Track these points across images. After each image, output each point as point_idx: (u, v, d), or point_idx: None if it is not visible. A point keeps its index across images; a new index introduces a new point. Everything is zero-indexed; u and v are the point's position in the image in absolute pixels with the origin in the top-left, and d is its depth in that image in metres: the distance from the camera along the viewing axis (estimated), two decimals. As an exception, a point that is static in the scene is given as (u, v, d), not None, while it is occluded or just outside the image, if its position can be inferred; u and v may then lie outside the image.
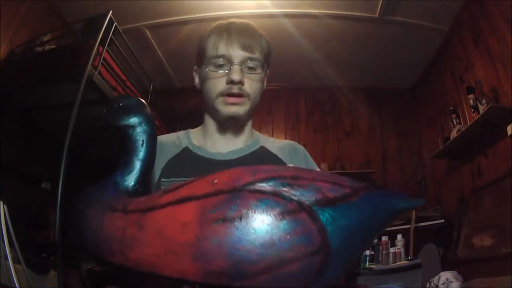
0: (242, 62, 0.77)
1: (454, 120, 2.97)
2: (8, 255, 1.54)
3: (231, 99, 0.76)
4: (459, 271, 2.31)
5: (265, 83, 0.86)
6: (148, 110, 0.56)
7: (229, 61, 0.76)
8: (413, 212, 3.14)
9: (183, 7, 3.07)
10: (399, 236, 3.15)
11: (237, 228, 0.37)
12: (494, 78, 2.47)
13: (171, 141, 0.86)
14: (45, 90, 2.36)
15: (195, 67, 0.86)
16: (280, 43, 2.95)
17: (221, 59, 0.77)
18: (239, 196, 0.39)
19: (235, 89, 0.75)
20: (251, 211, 0.38)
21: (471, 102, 2.64)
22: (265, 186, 0.40)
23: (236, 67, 0.75)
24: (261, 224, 0.37)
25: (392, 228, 3.31)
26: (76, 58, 2.22)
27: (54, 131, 2.71)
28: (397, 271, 2.85)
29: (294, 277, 0.38)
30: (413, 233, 3.01)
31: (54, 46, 2.57)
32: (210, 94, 0.78)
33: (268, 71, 0.86)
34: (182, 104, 4.17)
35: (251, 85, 0.78)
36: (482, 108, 2.45)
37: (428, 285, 2.31)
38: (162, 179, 0.79)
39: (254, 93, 0.79)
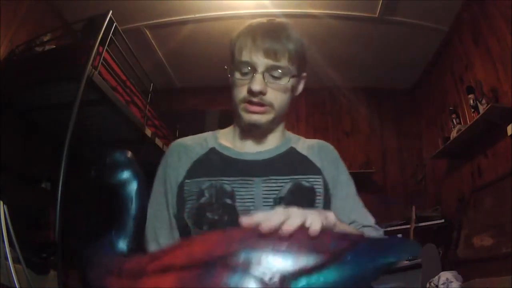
0: (267, 70, 0.74)
1: (454, 120, 2.97)
2: (8, 255, 1.54)
3: (252, 108, 0.75)
4: (459, 271, 2.31)
5: (300, 87, 0.83)
6: (136, 165, 0.59)
7: (253, 68, 0.74)
8: (413, 212, 3.14)
9: (183, 7, 3.07)
10: (399, 236, 3.15)
11: None
12: (494, 78, 2.47)
13: (198, 143, 0.85)
14: (45, 90, 2.36)
15: (227, 68, 0.83)
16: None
17: (245, 66, 0.75)
18: (212, 274, 0.42)
19: (255, 99, 0.74)
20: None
21: (471, 102, 2.64)
22: (237, 259, 0.43)
23: (258, 77, 0.73)
24: None
25: (392, 228, 3.31)
26: (76, 58, 2.22)
27: (54, 131, 2.71)
28: (397, 271, 2.85)
29: None
30: (413, 233, 3.01)
31: (54, 46, 2.57)
32: (235, 99, 0.77)
33: (304, 74, 0.83)
34: (182, 104, 4.18)
35: (275, 94, 0.75)
36: (482, 108, 2.45)
37: (428, 285, 2.32)
38: (186, 180, 0.78)
39: (279, 102, 0.76)
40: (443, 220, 3.00)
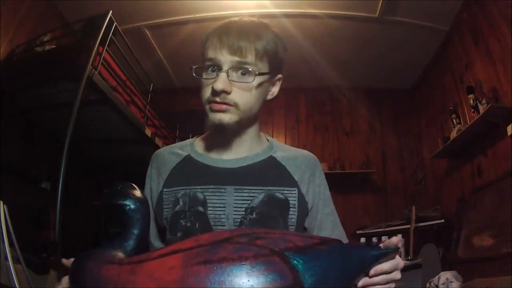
0: (232, 68, 0.71)
1: (454, 120, 2.97)
2: (8, 255, 1.54)
3: (215, 106, 0.72)
4: (459, 271, 2.31)
5: (274, 90, 0.81)
6: (142, 194, 0.66)
7: (218, 66, 0.71)
8: (413, 212, 3.14)
9: (183, 7, 3.07)
10: (399, 236, 3.15)
11: (216, 268, 0.44)
12: (494, 78, 2.47)
13: (174, 152, 0.84)
14: (45, 90, 2.36)
15: (194, 68, 0.80)
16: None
17: (211, 64, 0.73)
18: (219, 246, 0.47)
19: (218, 98, 0.71)
20: (230, 255, 0.45)
21: (471, 102, 2.64)
22: (241, 239, 0.48)
23: (222, 75, 0.70)
24: (238, 264, 0.44)
25: (392, 228, 3.31)
26: (76, 58, 2.22)
27: (54, 131, 2.72)
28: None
29: None
30: (413, 233, 3.01)
31: (54, 46, 2.58)
32: (202, 100, 0.75)
33: (279, 76, 0.80)
34: (182, 104, 4.17)
35: (240, 93, 0.72)
36: (482, 108, 2.45)
37: (428, 285, 2.32)
38: (164, 189, 0.79)
39: (244, 101, 0.72)
40: (443, 220, 3.00)
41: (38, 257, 1.93)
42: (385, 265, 0.56)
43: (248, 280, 0.43)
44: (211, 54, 0.72)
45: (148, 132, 2.96)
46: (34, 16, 2.73)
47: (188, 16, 3.17)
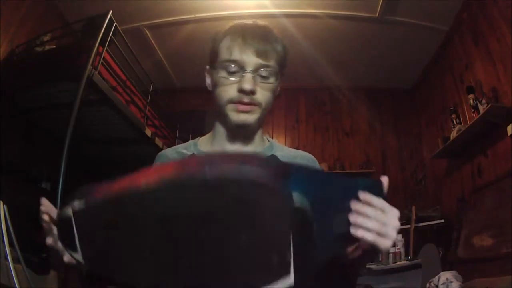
0: (255, 70, 0.74)
1: (454, 120, 2.97)
2: (8, 255, 1.54)
3: (242, 107, 0.74)
4: (459, 271, 2.31)
5: (278, 90, 0.83)
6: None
7: (242, 67, 0.73)
8: (413, 212, 3.14)
9: (183, 7, 3.07)
10: (399, 236, 3.14)
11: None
12: (494, 78, 2.47)
13: (179, 152, 0.85)
14: (45, 90, 2.36)
15: (208, 68, 0.82)
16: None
17: (233, 64, 0.74)
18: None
19: (245, 98, 0.73)
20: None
21: (471, 102, 2.64)
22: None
23: (248, 76, 0.73)
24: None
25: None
26: (76, 58, 2.22)
27: (54, 131, 2.71)
28: (397, 271, 2.85)
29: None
30: (413, 233, 3.01)
31: (54, 46, 2.58)
32: (221, 100, 0.76)
33: (282, 76, 0.83)
34: (182, 104, 4.17)
35: (263, 94, 0.75)
36: (482, 108, 2.45)
37: (428, 285, 2.31)
38: None
39: (266, 102, 0.76)
40: (443, 220, 3.00)
41: (38, 257, 1.93)
42: (374, 198, 0.55)
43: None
44: (235, 55, 0.73)
45: (148, 132, 2.96)
46: (34, 16, 2.73)
47: (188, 16, 3.17)
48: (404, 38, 3.33)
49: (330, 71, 3.76)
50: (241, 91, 0.72)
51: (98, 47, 2.22)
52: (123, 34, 2.63)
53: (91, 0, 2.85)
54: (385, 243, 0.54)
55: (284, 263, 0.46)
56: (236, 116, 0.75)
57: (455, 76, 3.10)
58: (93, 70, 2.17)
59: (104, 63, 2.34)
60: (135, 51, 2.93)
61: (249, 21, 0.79)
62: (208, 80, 0.82)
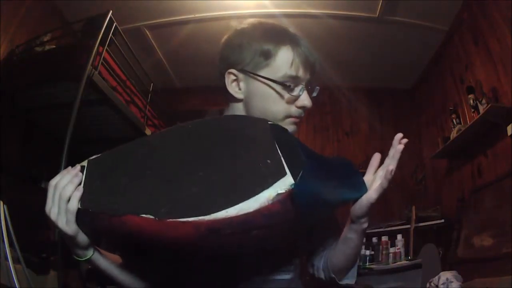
0: (306, 84, 0.76)
1: (454, 120, 2.97)
2: (8, 255, 1.54)
3: (296, 120, 0.78)
4: (459, 271, 2.31)
5: None
6: None
7: (296, 83, 0.74)
8: (413, 212, 3.14)
9: (183, 7, 3.07)
10: (399, 236, 3.15)
11: None
12: (494, 78, 2.47)
13: None
14: (45, 90, 2.36)
15: (234, 71, 0.77)
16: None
17: (291, 79, 0.73)
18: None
19: (303, 113, 0.77)
20: None
21: (471, 102, 2.64)
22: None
23: (306, 93, 0.76)
24: None
25: (392, 228, 3.31)
26: (76, 58, 2.22)
27: (54, 131, 2.71)
28: (397, 271, 2.85)
29: None
30: (413, 233, 3.01)
31: (54, 46, 2.57)
32: (278, 114, 0.75)
33: None
34: (182, 104, 4.17)
35: None
36: (482, 108, 2.45)
37: (428, 285, 2.31)
38: None
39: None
40: (443, 220, 3.00)
41: (38, 257, 1.93)
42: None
43: None
44: (300, 73, 0.75)
45: (148, 132, 2.96)
46: (34, 16, 2.73)
47: (188, 16, 3.17)
48: (404, 38, 3.33)
49: (330, 71, 3.76)
50: (303, 107, 0.75)
51: (98, 47, 2.22)
52: (123, 34, 2.63)
53: (91, 0, 2.85)
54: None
55: (277, 163, 0.54)
56: (290, 128, 0.77)
57: (455, 76, 3.10)
58: (93, 70, 2.17)
59: (104, 63, 2.34)
60: (135, 51, 2.93)
61: (291, 30, 0.79)
62: (236, 87, 0.77)
